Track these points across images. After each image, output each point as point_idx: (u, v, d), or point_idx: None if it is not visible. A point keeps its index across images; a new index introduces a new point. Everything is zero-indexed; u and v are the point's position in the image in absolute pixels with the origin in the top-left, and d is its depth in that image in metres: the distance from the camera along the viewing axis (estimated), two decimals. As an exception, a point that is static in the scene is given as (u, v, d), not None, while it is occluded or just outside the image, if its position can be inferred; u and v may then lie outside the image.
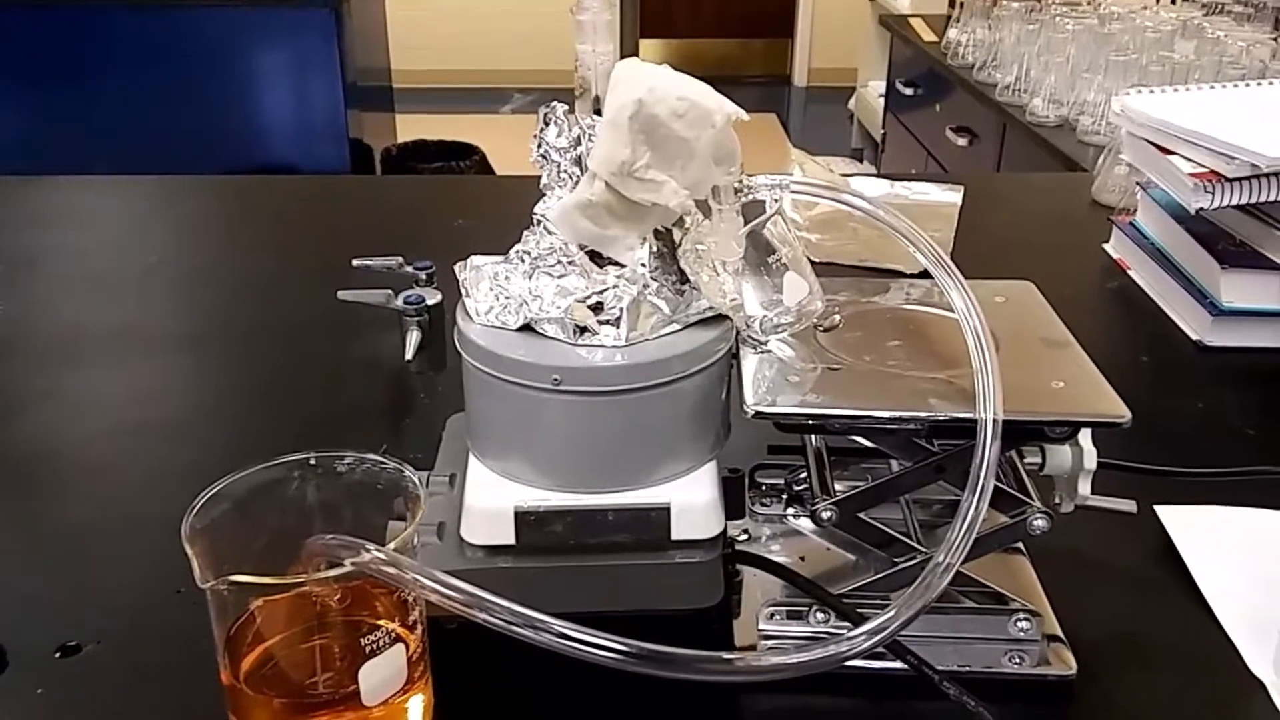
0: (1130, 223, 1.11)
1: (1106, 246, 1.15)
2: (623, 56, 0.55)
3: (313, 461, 0.51)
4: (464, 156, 3.37)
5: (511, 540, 0.55)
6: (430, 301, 0.85)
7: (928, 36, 2.58)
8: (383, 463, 0.51)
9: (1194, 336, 0.96)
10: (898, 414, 0.52)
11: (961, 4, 2.32)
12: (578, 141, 0.54)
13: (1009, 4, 2.12)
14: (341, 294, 0.85)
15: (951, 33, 2.35)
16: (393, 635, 0.49)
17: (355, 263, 0.89)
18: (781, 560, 0.62)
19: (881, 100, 3.22)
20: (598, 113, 0.55)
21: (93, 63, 3.13)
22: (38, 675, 0.56)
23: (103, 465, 0.76)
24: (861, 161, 4.06)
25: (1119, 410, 0.52)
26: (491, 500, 0.55)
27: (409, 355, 0.82)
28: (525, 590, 0.45)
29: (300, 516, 0.51)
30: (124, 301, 1.03)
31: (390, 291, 0.86)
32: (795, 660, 0.45)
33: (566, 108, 0.55)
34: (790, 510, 0.67)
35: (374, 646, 0.47)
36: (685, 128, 0.52)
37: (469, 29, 5.27)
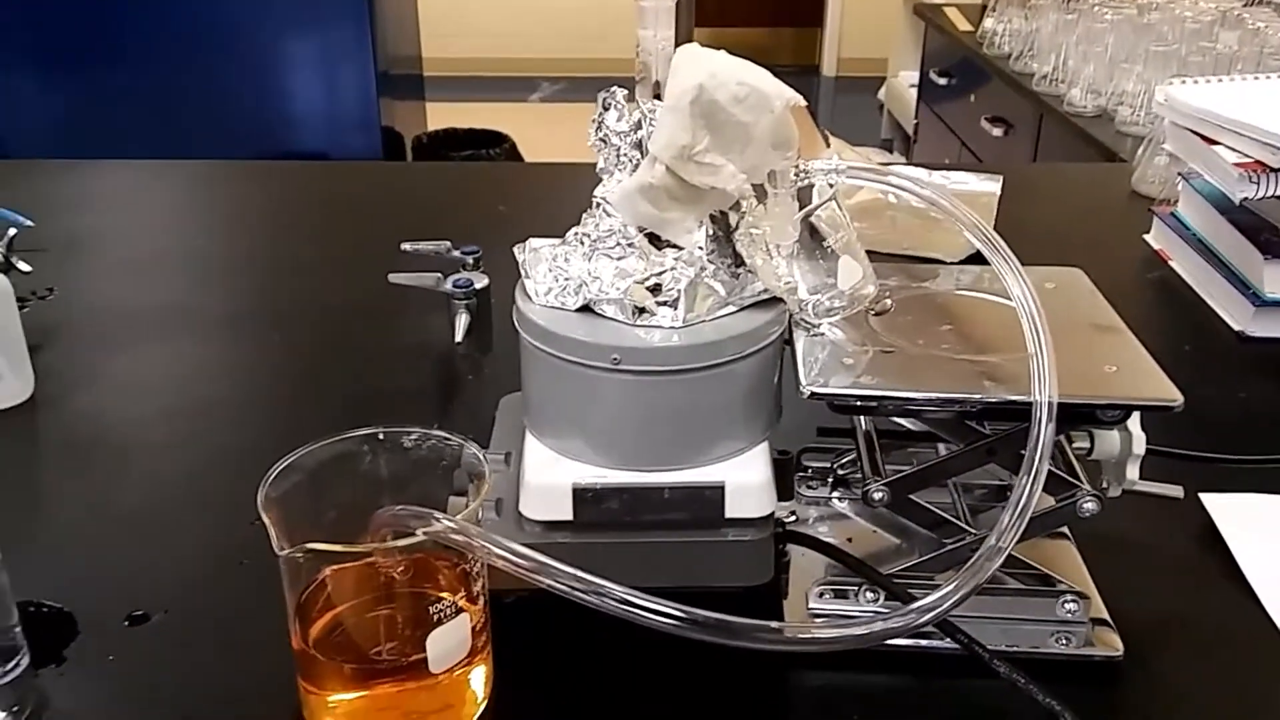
0: (1171, 213, 1.11)
1: (1147, 237, 1.15)
2: (679, 43, 0.56)
3: (381, 436, 0.53)
4: (493, 144, 3.39)
5: (569, 516, 0.56)
6: (478, 285, 0.87)
7: (963, 26, 2.57)
8: (448, 439, 0.53)
9: (1236, 326, 0.96)
10: (951, 395, 0.53)
11: (999, -7, 2.32)
12: (638, 126, 0.55)
13: (1047, -8, 2.12)
14: (393, 277, 0.87)
15: (988, 22, 2.34)
16: (457, 606, 0.50)
17: (404, 246, 0.91)
18: (826, 540, 0.63)
19: (913, 90, 3.21)
20: (658, 97, 0.56)
21: (126, 48, 3.16)
22: (108, 643, 0.58)
23: (159, 445, 0.78)
24: (891, 152, 4.05)
25: (1171, 394, 0.52)
26: (550, 477, 0.56)
27: (459, 337, 0.84)
28: (581, 565, 0.47)
29: (368, 489, 0.52)
30: (172, 284, 1.05)
31: (440, 275, 0.87)
32: (852, 633, 0.46)
33: (626, 92, 0.56)
34: (836, 493, 0.68)
35: (440, 615, 0.49)
36: (744, 113, 0.53)
37: (498, 17, 5.27)
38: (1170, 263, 1.09)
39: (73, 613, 0.60)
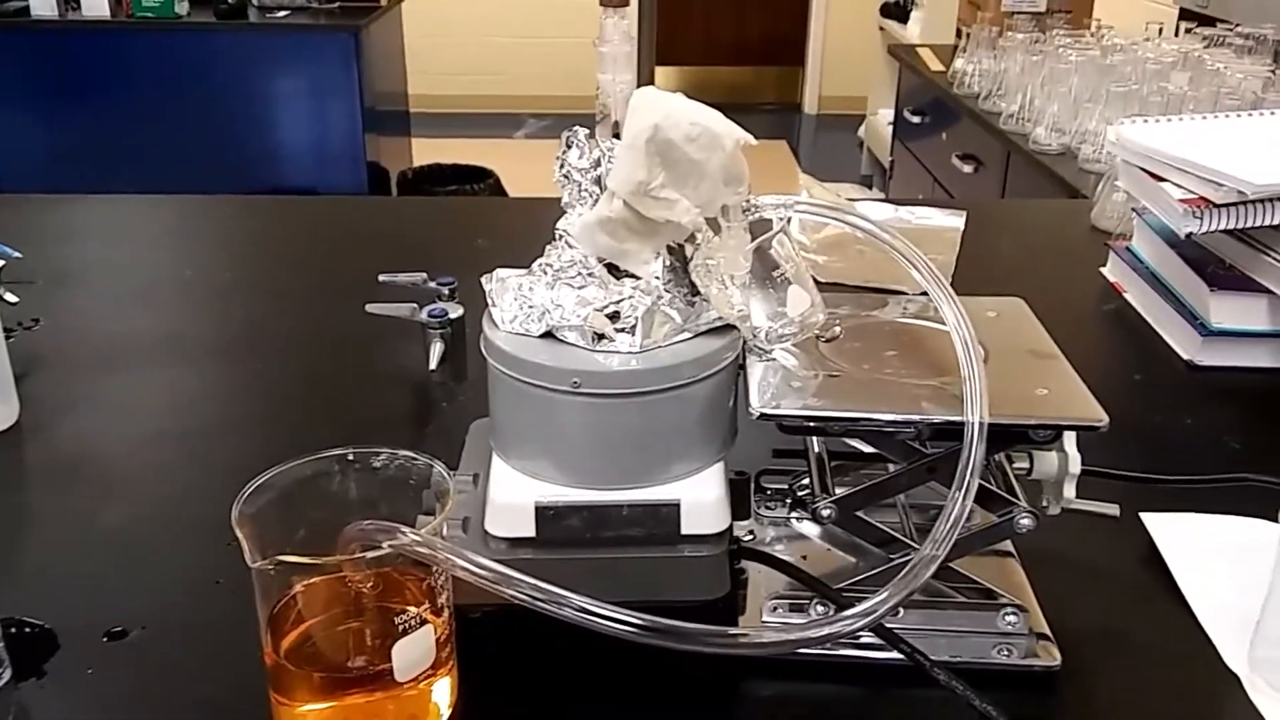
0: (1126, 247, 1.15)
1: (1103, 270, 1.19)
2: (640, 83, 0.60)
3: (350, 457, 0.55)
4: (478, 180, 3.43)
5: (532, 533, 0.59)
6: (453, 315, 0.90)
7: (935, 66, 2.63)
8: (415, 459, 0.55)
9: (1185, 356, 0.99)
10: (892, 416, 0.56)
11: (968, 35, 2.37)
12: (598, 163, 0.58)
13: (1014, 35, 2.17)
14: (370, 307, 0.90)
15: (958, 63, 2.40)
16: (422, 618, 0.52)
17: (382, 278, 0.94)
18: (785, 559, 0.66)
19: (890, 128, 3.27)
20: (617, 136, 0.59)
21: (116, 84, 3.21)
22: (87, 657, 0.60)
23: (143, 468, 0.80)
24: (870, 188, 4.12)
25: (1097, 414, 0.55)
26: (514, 495, 0.59)
27: (433, 365, 0.87)
28: (544, 580, 0.49)
29: (338, 508, 0.55)
30: (158, 314, 1.08)
31: (415, 305, 0.90)
32: (794, 636, 0.48)
33: (588, 132, 0.60)
34: (794, 514, 0.71)
35: (406, 626, 0.51)
36: (697, 151, 0.57)
37: (484, 54, 5.35)
38: (1125, 294, 1.13)
39: (53, 629, 0.62)
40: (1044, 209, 1.63)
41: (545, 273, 0.60)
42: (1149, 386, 0.97)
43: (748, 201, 0.59)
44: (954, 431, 0.56)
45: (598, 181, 0.59)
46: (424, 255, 1.10)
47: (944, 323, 0.56)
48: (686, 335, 0.59)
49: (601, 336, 0.58)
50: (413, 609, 0.53)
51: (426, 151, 3.87)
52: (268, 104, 3.26)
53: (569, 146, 0.60)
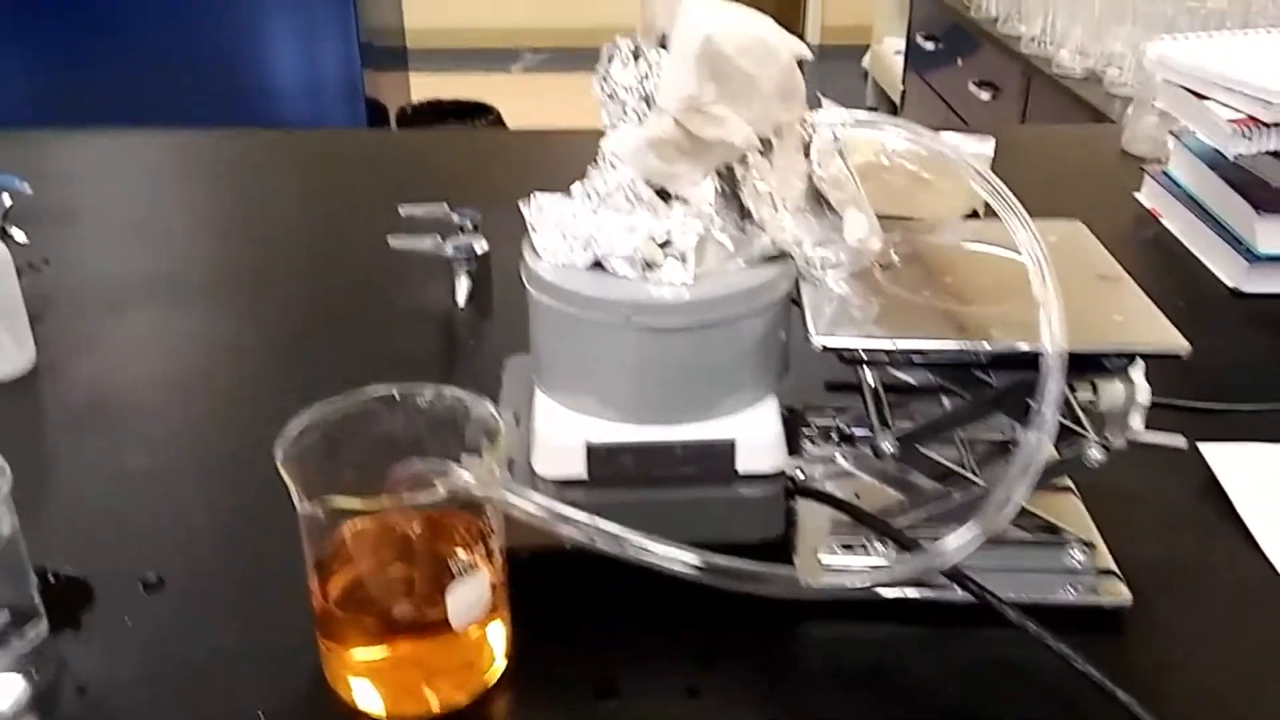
0: (1163, 172, 1.11)
1: (1138, 195, 1.15)
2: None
3: (396, 395, 0.53)
4: (479, 115, 3.37)
5: (583, 473, 0.56)
6: (479, 249, 0.86)
7: (950, -10, 2.57)
8: (461, 397, 0.53)
9: (1229, 283, 0.97)
10: (962, 345, 0.53)
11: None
12: (645, 78, 0.55)
13: (1033, -47, 2.11)
14: (393, 241, 0.86)
15: (974, -15, 2.34)
16: (474, 563, 0.50)
17: (402, 210, 0.91)
18: (833, 494, 0.63)
19: (897, 57, 3.21)
20: (663, 48, 0.56)
21: (106, 15, 3.13)
22: (124, 607, 0.58)
23: (165, 410, 0.78)
24: (877, 119, 4.04)
25: (1177, 342, 0.53)
26: (563, 434, 0.56)
27: (461, 302, 0.84)
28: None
29: (384, 447, 0.52)
30: (167, 252, 1.05)
31: (439, 238, 0.87)
32: (861, 580, 0.46)
33: (631, 43, 0.56)
34: (839, 450, 0.69)
35: (460, 570, 0.49)
36: (751, 64, 0.53)
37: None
38: (1162, 220, 1.10)
39: (88, 579, 0.60)
40: (1071, 134, 1.58)
41: (590, 198, 0.57)
42: (1193, 314, 0.92)
43: (803, 119, 0.56)
44: (1019, 360, 0.53)
45: (645, 98, 0.55)
46: (433, 188, 1.06)
47: (1003, 246, 0.54)
48: (740, 263, 0.56)
49: (651, 265, 0.55)
50: (464, 553, 0.50)
51: (424, 87, 3.79)
52: (264, 38, 3.18)
53: (610, 59, 0.56)
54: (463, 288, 0.84)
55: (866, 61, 4.27)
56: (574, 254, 0.56)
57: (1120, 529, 0.62)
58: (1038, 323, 0.51)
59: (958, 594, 0.56)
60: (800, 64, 0.54)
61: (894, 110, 3.38)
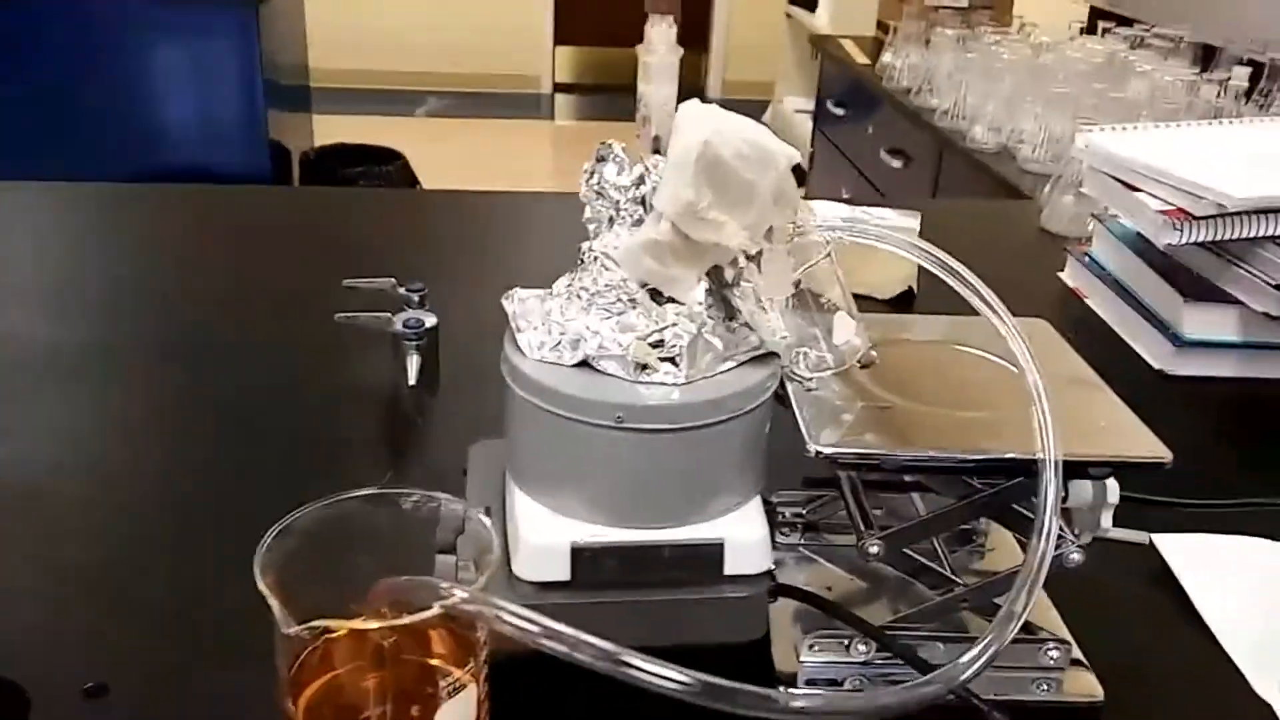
0: (1086, 254, 1.15)
1: (1062, 275, 1.19)
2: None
3: (376, 496, 0.50)
4: (386, 161, 3.32)
5: (567, 576, 0.55)
6: (428, 324, 0.84)
7: (860, 59, 2.64)
8: (453, 501, 0.51)
9: (1156, 365, 1.00)
10: (959, 454, 0.54)
11: (896, 29, 2.37)
12: (640, 181, 0.55)
13: (943, 30, 2.18)
14: (339, 316, 0.84)
15: (886, 56, 2.40)
16: (461, 682, 0.48)
17: (346, 283, 0.88)
18: (813, 591, 0.63)
19: (799, 116, 3.28)
20: (657, 151, 0.55)
21: (-4, 54, 2.99)
22: (65, 717, 0.54)
23: (98, 500, 0.73)
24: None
25: (1161, 451, 0.54)
26: (546, 536, 0.55)
27: (412, 380, 0.81)
28: (577, 625, 0.45)
29: (364, 553, 0.50)
30: (85, 319, 0.99)
31: (388, 315, 0.84)
32: (876, 703, 0.46)
33: (624, 145, 0.55)
34: (803, 540, 0.69)
35: (450, 689, 0.47)
36: (748, 170, 0.53)
37: (384, 28, 5.19)
38: (1087, 301, 1.14)
39: (23, 685, 0.56)
40: (990, 210, 1.63)
41: (579, 296, 0.55)
42: (1123, 397, 0.97)
43: (794, 224, 0.56)
44: (1007, 467, 0.54)
45: (640, 201, 0.55)
46: (354, 251, 1.03)
47: (979, 347, 0.55)
48: (729, 364, 0.56)
49: (644, 367, 0.54)
50: (454, 670, 0.48)
51: (327, 129, 3.73)
52: (163, 78, 3.09)
53: (602, 160, 0.56)
54: (413, 365, 0.82)
55: (768, 118, 4.36)
56: (562, 352, 0.55)
57: (1083, 623, 0.63)
58: (1027, 428, 0.51)
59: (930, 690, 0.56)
60: (795, 169, 0.54)
61: (802, 175, 3.45)
